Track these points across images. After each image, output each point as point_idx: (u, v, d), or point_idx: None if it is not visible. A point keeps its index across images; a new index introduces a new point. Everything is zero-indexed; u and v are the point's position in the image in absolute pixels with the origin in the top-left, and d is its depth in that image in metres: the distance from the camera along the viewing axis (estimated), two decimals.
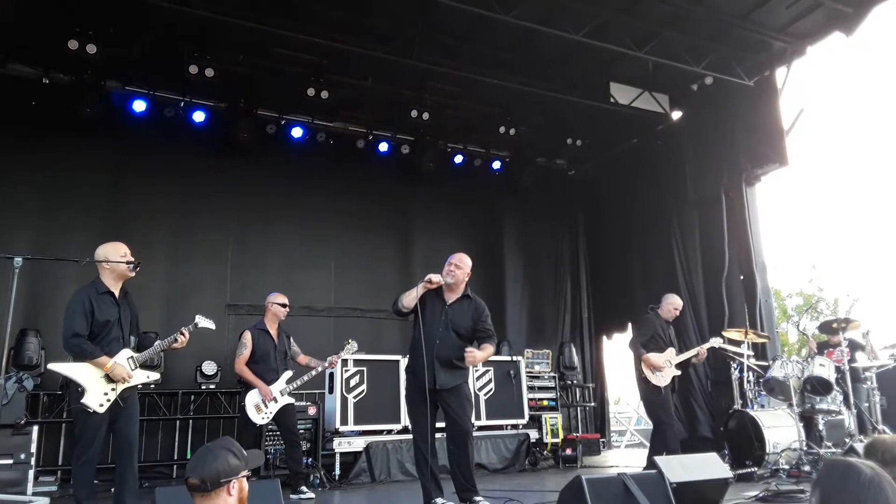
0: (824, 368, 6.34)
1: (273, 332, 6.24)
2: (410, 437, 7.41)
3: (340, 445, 7.11)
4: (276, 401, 5.99)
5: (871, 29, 8.15)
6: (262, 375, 6.03)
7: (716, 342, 6.96)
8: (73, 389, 4.37)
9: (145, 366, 4.66)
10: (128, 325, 4.63)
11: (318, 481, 6.65)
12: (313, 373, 6.32)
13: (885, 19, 8.44)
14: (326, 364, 6.39)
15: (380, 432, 7.39)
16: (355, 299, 9.77)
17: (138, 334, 4.79)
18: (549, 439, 8.54)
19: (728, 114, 9.24)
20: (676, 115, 10.15)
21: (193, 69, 7.94)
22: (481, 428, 8.09)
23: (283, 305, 6.27)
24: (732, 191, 9.13)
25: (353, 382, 7.30)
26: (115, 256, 4.55)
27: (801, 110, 8.76)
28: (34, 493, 4.97)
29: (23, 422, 5.42)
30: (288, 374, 6.14)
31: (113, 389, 4.40)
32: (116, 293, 4.58)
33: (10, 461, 5.25)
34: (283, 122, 9.36)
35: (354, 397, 7.34)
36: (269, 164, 9.41)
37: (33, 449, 5.45)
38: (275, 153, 9.39)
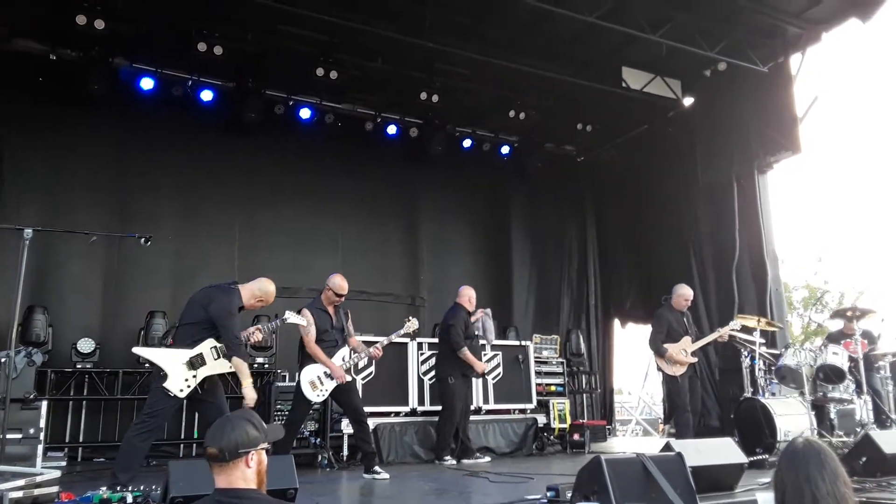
0: (838, 357, 6.30)
1: (330, 310, 6.13)
2: (418, 419, 7.50)
3: (348, 427, 7.06)
4: (331, 378, 5.91)
5: (889, 15, 8.00)
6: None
7: (736, 325, 6.95)
8: (156, 373, 4.57)
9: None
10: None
11: (325, 462, 6.64)
12: (357, 361, 6.24)
13: None
14: (364, 356, 6.24)
15: (388, 414, 7.36)
16: (362, 282, 9.67)
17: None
18: (556, 424, 8.50)
19: (741, 100, 9.13)
20: (688, 101, 10.04)
21: (202, 47, 7.89)
22: (489, 412, 8.09)
23: (335, 292, 6.11)
24: (744, 178, 9.05)
25: (360, 364, 7.24)
26: (252, 290, 5.04)
27: (816, 98, 8.68)
28: (43, 468, 4.94)
29: (32, 396, 5.40)
30: (344, 350, 6.06)
31: (194, 376, 4.55)
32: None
33: (20, 435, 5.22)
34: (291, 103, 9.28)
35: (363, 379, 7.29)
36: (276, 145, 9.37)
37: (42, 424, 5.44)
38: (283, 134, 9.34)
